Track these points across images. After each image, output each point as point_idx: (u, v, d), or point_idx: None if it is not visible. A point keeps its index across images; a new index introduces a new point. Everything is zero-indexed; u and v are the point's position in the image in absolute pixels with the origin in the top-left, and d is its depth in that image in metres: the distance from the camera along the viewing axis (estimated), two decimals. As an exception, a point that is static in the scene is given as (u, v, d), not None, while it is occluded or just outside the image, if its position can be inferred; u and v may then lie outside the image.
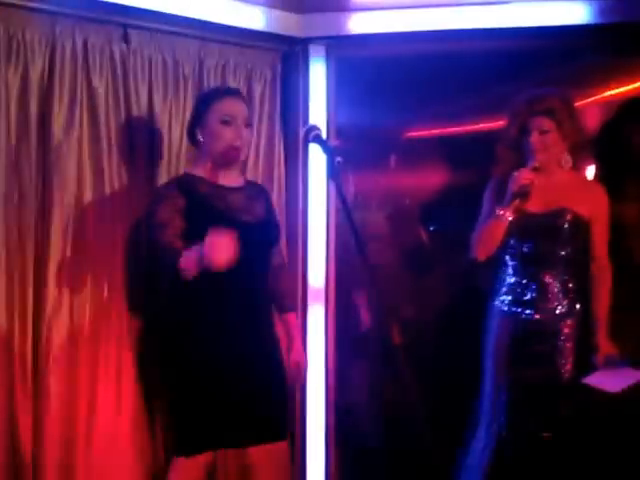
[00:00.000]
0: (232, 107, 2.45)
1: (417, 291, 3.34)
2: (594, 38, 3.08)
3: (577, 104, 3.21)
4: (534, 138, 2.62)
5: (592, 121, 3.21)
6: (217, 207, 2.39)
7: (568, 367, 2.67)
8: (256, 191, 2.57)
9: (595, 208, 2.69)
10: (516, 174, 2.57)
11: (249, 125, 2.50)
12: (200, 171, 2.47)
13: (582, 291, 2.71)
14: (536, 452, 2.64)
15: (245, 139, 2.46)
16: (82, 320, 2.62)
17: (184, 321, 2.39)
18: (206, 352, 2.35)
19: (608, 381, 2.61)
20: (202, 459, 2.39)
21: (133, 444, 2.69)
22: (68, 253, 2.60)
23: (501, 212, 2.60)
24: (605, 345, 2.67)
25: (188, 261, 2.14)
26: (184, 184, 2.41)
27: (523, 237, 2.67)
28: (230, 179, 2.49)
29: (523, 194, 2.56)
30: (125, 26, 2.72)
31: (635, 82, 3.20)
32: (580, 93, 3.26)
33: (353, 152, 3.19)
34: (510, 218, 2.60)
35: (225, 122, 2.42)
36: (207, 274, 2.13)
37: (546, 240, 2.67)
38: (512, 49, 3.16)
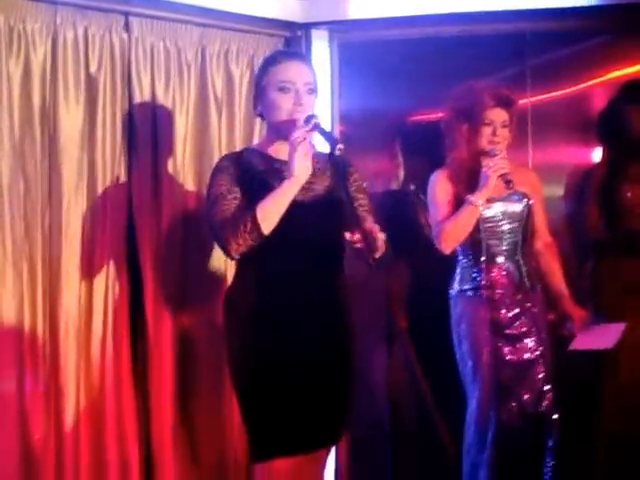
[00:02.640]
0: (290, 72, 2.17)
1: (423, 277, 3.34)
2: (599, 19, 3.06)
3: (583, 86, 3.22)
4: (499, 131, 2.69)
5: (598, 103, 3.19)
6: (270, 184, 2.15)
7: (545, 341, 2.74)
8: (322, 166, 2.26)
9: (533, 189, 2.79)
10: (493, 164, 2.61)
11: (312, 91, 2.20)
12: (262, 145, 2.29)
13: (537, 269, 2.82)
14: (531, 428, 2.71)
15: (307, 107, 2.16)
16: (91, 308, 2.65)
17: (249, 310, 2.20)
18: (275, 344, 2.16)
19: (596, 341, 2.68)
20: (281, 466, 2.17)
21: (137, 425, 2.74)
22: (75, 242, 2.62)
23: (476, 200, 2.63)
24: (577, 312, 2.76)
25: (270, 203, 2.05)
26: (238, 159, 2.22)
27: (485, 223, 2.69)
28: None
29: (507, 182, 2.60)
30: (126, 14, 2.72)
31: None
32: (586, 74, 3.25)
33: (357, 137, 3.18)
34: (484, 205, 2.64)
35: (283, 89, 2.16)
36: (268, 256, 2.09)
37: (507, 224, 2.72)
38: (518, 31, 3.15)
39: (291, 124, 2.16)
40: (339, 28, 3.15)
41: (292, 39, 3.11)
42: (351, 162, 2.37)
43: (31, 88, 2.54)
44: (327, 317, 2.24)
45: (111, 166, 2.69)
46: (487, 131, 2.69)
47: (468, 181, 2.68)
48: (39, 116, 2.56)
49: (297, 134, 2.06)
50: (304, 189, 2.19)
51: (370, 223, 2.09)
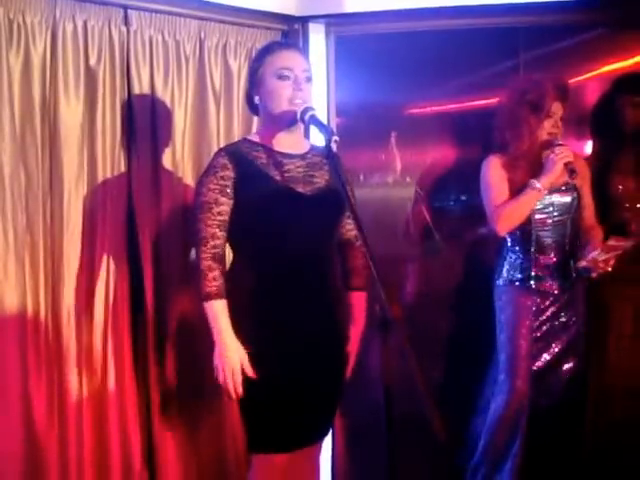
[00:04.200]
0: (288, 59, 2.21)
1: (422, 269, 3.38)
2: (592, 13, 3.08)
3: (577, 79, 3.25)
4: (559, 123, 2.76)
5: (591, 96, 3.22)
6: (271, 177, 2.20)
7: (581, 333, 2.83)
8: (320, 158, 2.28)
9: (583, 178, 2.83)
10: (559, 152, 2.66)
11: (309, 79, 2.24)
12: (259, 137, 2.29)
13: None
14: (568, 419, 2.80)
15: (306, 95, 2.20)
16: (92, 298, 2.67)
17: (245, 300, 2.24)
18: (270, 339, 2.21)
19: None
20: (278, 459, 2.24)
21: (139, 413, 2.77)
22: (77, 233, 2.64)
23: (541, 185, 2.68)
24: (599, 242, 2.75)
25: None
26: (237, 151, 2.24)
27: (535, 214, 2.73)
28: (291, 145, 2.27)
29: (572, 171, 2.65)
30: (125, 7, 2.73)
31: (633, 56, 3.21)
32: (579, 68, 3.28)
33: (353, 130, 3.21)
34: (545, 192, 2.69)
35: (281, 77, 2.19)
36: (265, 248, 2.14)
37: (557, 215, 2.76)
38: (512, 25, 3.17)
39: (290, 114, 2.20)
40: (336, 21, 3.16)
41: (289, 32, 3.12)
42: (344, 167, 2.38)
43: (31, 81, 2.55)
44: (321, 310, 2.27)
45: (111, 157, 2.71)
46: (549, 123, 2.75)
47: (524, 170, 2.74)
48: (39, 108, 2.57)
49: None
50: (306, 182, 2.23)
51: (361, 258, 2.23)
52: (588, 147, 3.16)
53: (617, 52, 3.23)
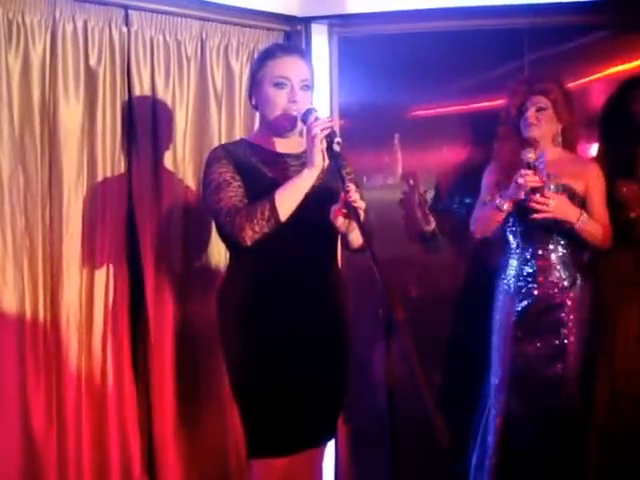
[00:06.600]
0: (286, 67, 2.19)
1: (425, 271, 3.36)
2: (598, 15, 3.07)
3: (582, 81, 3.23)
4: (530, 113, 2.74)
5: (597, 98, 3.20)
6: (267, 175, 2.19)
7: (572, 339, 2.74)
8: None
9: (590, 183, 2.77)
10: (521, 179, 2.59)
11: (307, 87, 2.22)
12: (256, 137, 2.31)
13: (582, 264, 2.81)
14: (544, 424, 2.73)
15: (302, 104, 2.18)
16: (92, 301, 2.66)
17: (246, 298, 2.22)
18: (269, 339, 2.18)
19: None
20: (278, 463, 2.21)
21: (139, 418, 2.76)
22: (76, 236, 2.63)
23: (501, 204, 2.68)
24: None
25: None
26: (233, 150, 2.24)
27: (523, 214, 2.71)
28: (288, 146, 2.27)
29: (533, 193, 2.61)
30: (126, 7, 2.71)
31: (638, 58, 3.18)
32: (585, 70, 3.26)
33: (356, 131, 3.19)
34: (509, 210, 2.69)
35: (278, 85, 2.19)
36: (265, 244, 2.10)
37: (552, 221, 2.71)
38: (517, 26, 3.16)
39: (286, 119, 2.20)
40: (339, 22, 3.16)
41: (292, 33, 3.11)
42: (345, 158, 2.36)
43: (30, 82, 2.54)
44: (322, 310, 2.25)
45: (111, 159, 2.69)
46: (523, 117, 2.75)
47: (505, 172, 2.75)
48: (39, 110, 2.56)
49: (319, 125, 2.07)
50: None
51: (353, 191, 2.07)
52: (593, 149, 3.13)
53: (622, 54, 3.21)
